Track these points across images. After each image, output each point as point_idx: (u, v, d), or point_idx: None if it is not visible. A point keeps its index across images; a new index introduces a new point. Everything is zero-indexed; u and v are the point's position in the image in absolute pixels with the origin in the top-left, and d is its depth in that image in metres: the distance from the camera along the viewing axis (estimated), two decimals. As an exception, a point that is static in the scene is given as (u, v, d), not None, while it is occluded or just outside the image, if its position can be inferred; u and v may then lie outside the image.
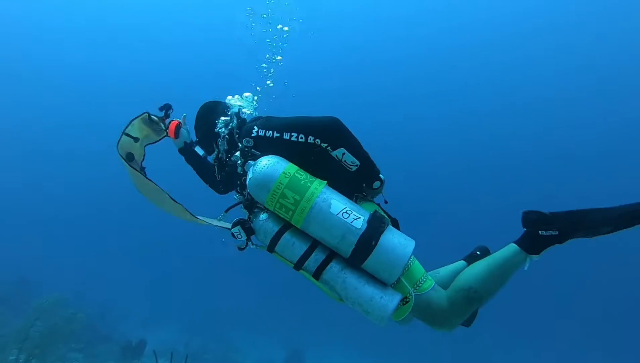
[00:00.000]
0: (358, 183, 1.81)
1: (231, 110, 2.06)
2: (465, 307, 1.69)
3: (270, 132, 1.71)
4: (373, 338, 12.89)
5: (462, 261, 2.22)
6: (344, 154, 1.68)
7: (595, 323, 15.68)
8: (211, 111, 2.10)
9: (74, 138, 23.39)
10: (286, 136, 1.69)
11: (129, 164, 1.86)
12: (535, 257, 1.67)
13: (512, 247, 1.71)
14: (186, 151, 2.17)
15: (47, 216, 20.90)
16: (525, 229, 1.71)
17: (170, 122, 2.10)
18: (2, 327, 6.71)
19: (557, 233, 1.64)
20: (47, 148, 23.24)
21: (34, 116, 23.43)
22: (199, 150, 2.21)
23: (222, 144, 2.03)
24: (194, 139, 2.22)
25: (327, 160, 1.72)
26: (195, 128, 2.17)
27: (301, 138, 1.67)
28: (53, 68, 23.95)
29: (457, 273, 2.13)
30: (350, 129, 1.72)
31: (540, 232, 1.66)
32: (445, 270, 2.15)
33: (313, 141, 1.67)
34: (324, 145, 1.68)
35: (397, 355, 12.60)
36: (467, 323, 1.97)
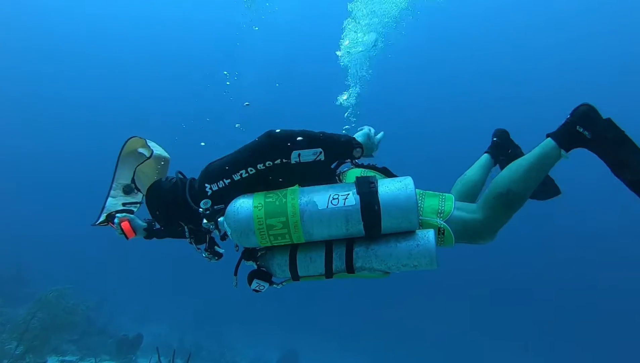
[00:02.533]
0: (338, 163, 1.75)
1: (174, 178, 1.88)
2: (506, 211, 1.69)
3: (221, 182, 1.63)
4: (368, 342, 12.94)
5: (485, 154, 2.28)
6: (299, 155, 1.57)
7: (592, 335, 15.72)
8: (157, 191, 1.89)
9: (75, 134, 23.10)
10: (237, 177, 1.61)
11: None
12: (564, 154, 1.69)
13: (548, 142, 1.73)
14: (152, 233, 1.97)
15: (45, 207, 20.69)
16: (567, 118, 1.73)
17: (119, 225, 1.87)
18: (-1, 316, 6.61)
19: (589, 136, 1.66)
20: (49, 146, 22.96)
21: (34, 113, 23.08)
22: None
23: (189, 216, 1.78)
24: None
25: (290, 168, 1.62)
26: (153, 217, 1.94)
27: (251, 170, 1.60)
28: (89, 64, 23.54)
29: (484, 167, 2.22)
30: (286, 127, 1.61)
31: (577, 127, 1.68)
32: (471, 170, 2.19)
33: (264, 167, 1.59)
34: (277, 162, 1.59)
35: (391, 358, 12.65)
36: (556, 192, 2.08)
